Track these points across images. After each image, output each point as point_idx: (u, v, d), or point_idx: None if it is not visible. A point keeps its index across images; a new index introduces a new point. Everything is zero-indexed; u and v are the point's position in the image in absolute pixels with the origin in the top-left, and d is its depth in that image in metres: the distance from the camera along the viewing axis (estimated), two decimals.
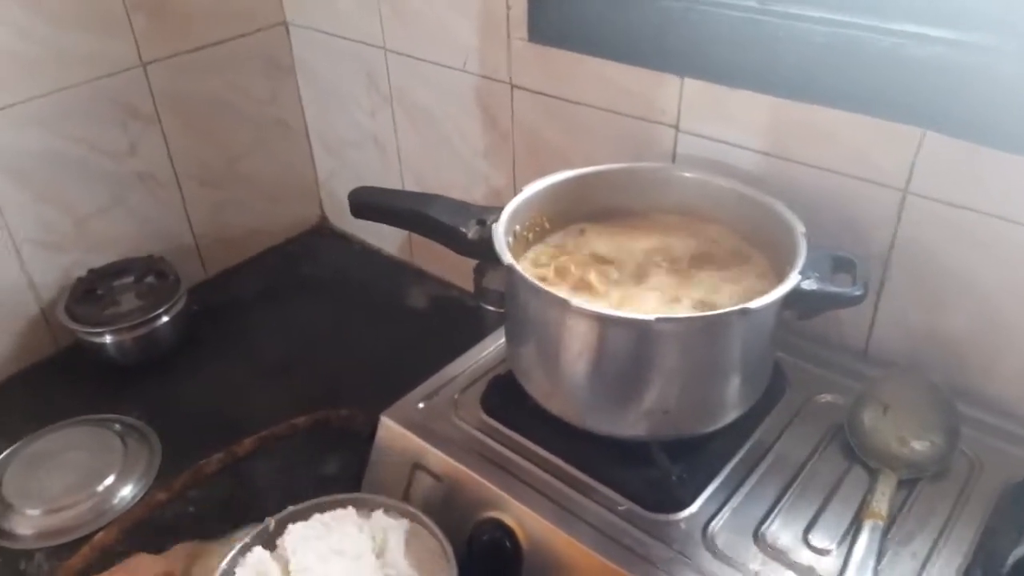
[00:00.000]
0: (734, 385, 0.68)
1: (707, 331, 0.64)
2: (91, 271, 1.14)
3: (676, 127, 0.85)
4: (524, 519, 0.67)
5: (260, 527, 0.69)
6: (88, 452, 0.98)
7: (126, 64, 1.09)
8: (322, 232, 1.42)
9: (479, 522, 0.70)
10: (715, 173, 0.79)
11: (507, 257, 0.67)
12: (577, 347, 0.65)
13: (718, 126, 0.82)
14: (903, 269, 0.76)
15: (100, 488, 0.94)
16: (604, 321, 0.62)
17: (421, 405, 0.79)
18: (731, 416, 0.70)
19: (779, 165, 0.79)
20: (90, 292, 1.11)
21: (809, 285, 0.64)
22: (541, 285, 0.64)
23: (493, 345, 0.87)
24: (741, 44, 0.76)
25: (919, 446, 0.70)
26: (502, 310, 1.00)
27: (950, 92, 0.67)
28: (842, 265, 0.69)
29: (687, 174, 0.80)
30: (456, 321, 1.17)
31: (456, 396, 0.79)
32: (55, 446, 1.00)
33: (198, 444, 0.94)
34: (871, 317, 0.80)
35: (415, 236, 1.09)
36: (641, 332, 0.62)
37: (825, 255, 0.68)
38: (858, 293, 0.65)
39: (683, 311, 0.69)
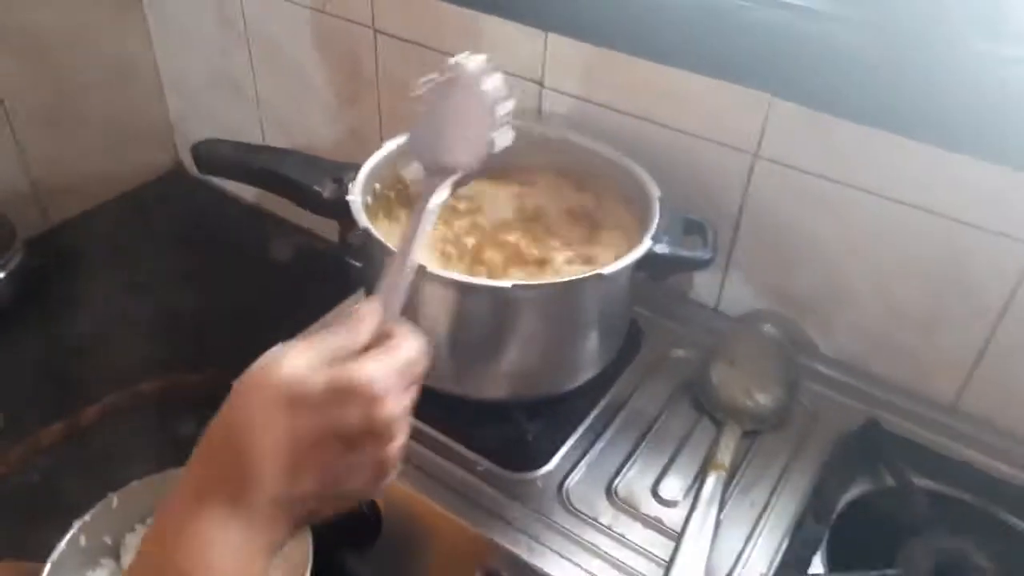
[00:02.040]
0: (590, 346, 0.69)
1: (563, 296, 0.64)
2: None
3: (541, 83, 0.84)
4: (388, 487, 0.67)
5: (100, 503, 0.66)
6: None
7: None
8: (175, 179, 1.33)
9: None
10: (578, 132, 0.79)
11: (364, 220, 0.65)
12: (435, 313, 0.64)
13: (582, 85, 0.82)
14: (752, 230, 0.79)
15: None
16: (461, 288, 0.62)
17: None
18: (587, 375, 0.71)
19: (640, 126, 0.80)
20: None
21: (661, 249, 0.66)
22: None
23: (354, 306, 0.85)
24: (606, 3, 0.75)
25: (762, 399, 0.74)
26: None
27: (795, 58, 0.69)
28: (693, 228, 0.71)
29: (551, 134, 0.79)
30: (321, 274, 1.13)
31: None
32: None
33: (37, 412, 0.89)
34: (722, 275, 0.83)
35: None
36: (498, 298, 0.62)
37: (678, 218, 0.70)
38: (706, 257, 0.67)
39: (541, 271, 0.69)
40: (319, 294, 0.87)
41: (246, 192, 1.27)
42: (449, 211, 0.75)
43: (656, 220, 0.67)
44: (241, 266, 1.16)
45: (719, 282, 0.84)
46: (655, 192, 0.70)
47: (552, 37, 0.81)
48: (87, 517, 0.65)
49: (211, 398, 0.87)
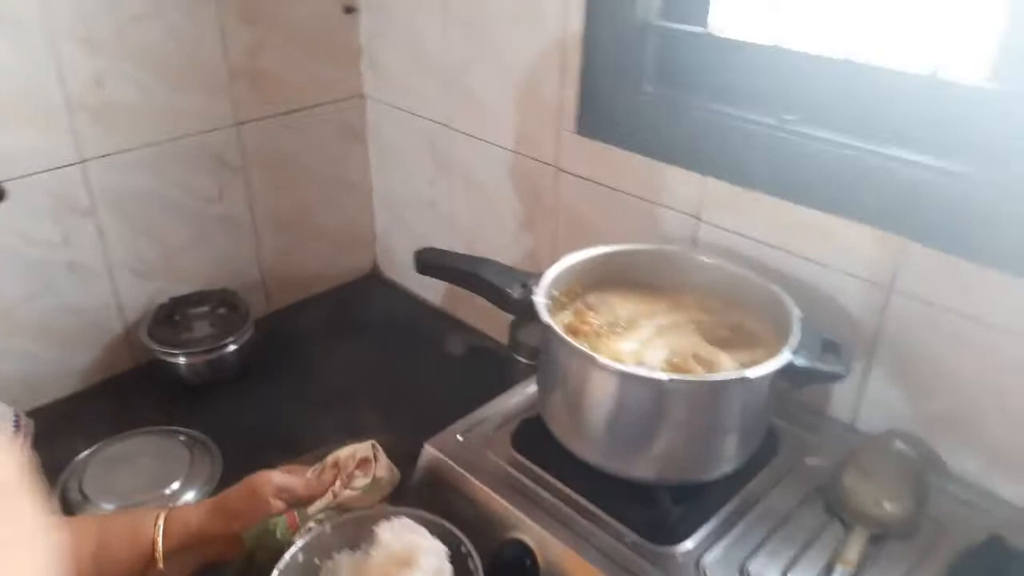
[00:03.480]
0: (732, 441, 0.80)
1: (711, 392, 0.76)
2: (172, 299, 1.29)
3: (698, 217, 0.99)
4: (544, 542, 0.79)
5: (316, 529, 0.81)
6: (157, 459, 1.11)
7: (224, 123, 1.26)
8: (373, 280, 1.57)
9: (504, 541, 0.81)
10: (728, 259, 0.92)
11: (545, 316, 0.80)
12: (599, 397, 0.78)
13: (733, 219, 0.96)
14: (887, 356, 0.88)
15: (167, 491, 1.06)
16: (624, 377, 0.75)
17: (460, 438, 0.91)
18: (727, 468, 0.81)
19: (782, 256, 0.92)
20: (169, 317, 1.26)
21: (800, 361, 0.77)
22: (573, 342, 0.77)
23: (524, 392, 0.99)
24: (758, 153, 0.90)
25: (891, 508, 0.81)
26: (532, 362, 1.14)
27: (930, 209, 0.80)
28: (830, 347, 0.81)
29: (704, 258, 0.93)
30: (488, 368, 1.29)
31: (491, 433, 0.92)
32: (129, 451, 1.12)
33: (256, 459, 1.06)
34: (857, 393, 0.92)
35: (455, 289, 1.23)
36: (654, 389, 0.74)
37: (816, 337, 0.81)
38: (841, 372, 0.77)
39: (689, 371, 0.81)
40: (484, 383, 1.02)
41: (430, 295, 1.48)
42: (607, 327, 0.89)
43: (797, 336, 0.78)
44: (422, 355, 1.34)
45: (854, 400, 0.92)
46: (796, 312, 0.82)
47: (711, 180, 0.96)
48: (308, 539, 0.80)
49: (396, 457, 1.02)
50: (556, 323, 0.82)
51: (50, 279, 1.17)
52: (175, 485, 1.07)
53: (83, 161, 1.14)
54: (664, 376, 0.73)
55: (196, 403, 1.22)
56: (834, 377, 0.78)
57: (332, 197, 1.45)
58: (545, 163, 1.15)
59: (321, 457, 0.88)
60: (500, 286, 0.88)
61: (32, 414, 1.08)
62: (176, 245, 1.28)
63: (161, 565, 0.77)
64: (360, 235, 1.53)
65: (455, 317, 1.44)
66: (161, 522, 0.78)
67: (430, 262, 0.92)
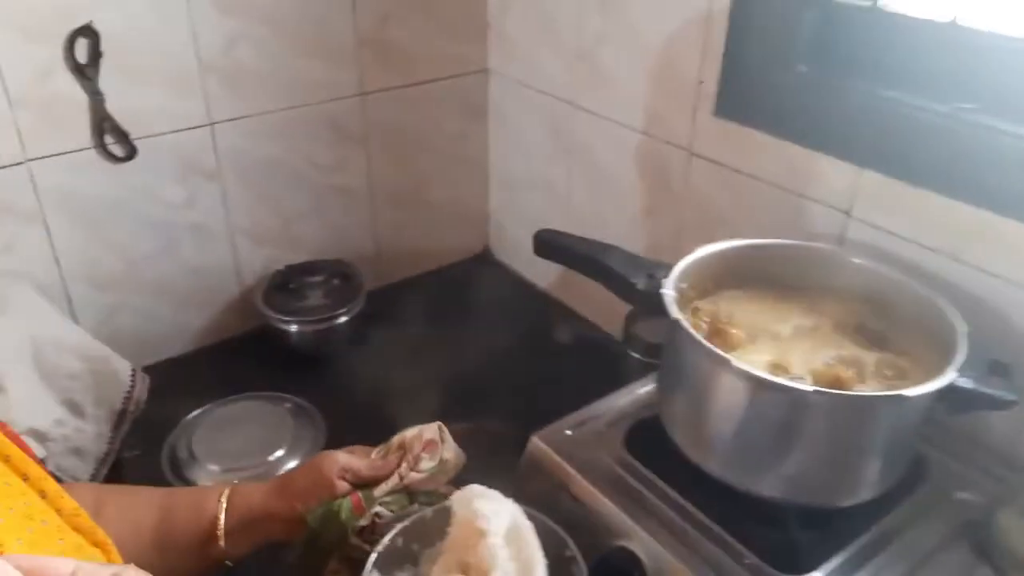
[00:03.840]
0: (874, 466, 0.71)
1: (858, 410, 0.68)
2: (288, 266, 1.29)
3: (848, 213, 0.90)
4: (653, 553, 0.73)
5: (417, 514, 0.78)
6: (263, 425, 1.12)
7: (348, 92, 1.25)
8: (484, 260, 1.53)
9: (612, 548, 0.75)
10: (881, 261, 0.83)
11: (674, 311, 0.74)
12: (729, 404, 0.71)
13: (889, 217, 0.86)
14: None
15: (271, 458, 1.06)
16: (761, 384, 0.68)
17: (569, 432, 0.86)
18: (865, 496, 0.73)
19: (944, 263, 0.82)
20: (284, 285, 1.26)
21: (964, 383, 0.67)
22: (705, 342, 0.70)
23: (638, 390, 0.92)
24: (926, 145, 0.80)
25: None
26: (647, 359, 1.07)
27: None
28: (998, 369, 0.71)
29: (855, 259, 0.84)
30: (599, 362, 1.23)
31: (602, 431, 0.86)
32: (237, 414, 1.14)
33: (358, 432, 1.05)
34: (1021, 421, 0.81)
35: (568, 276, 1.18)
36: (794, 401, 0.67)
37: (982, 358, 0.71)
38: (1011, 398, 0.67)
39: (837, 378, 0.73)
40: (595, 376, 0.96)
41: (540, 279, 1.43)
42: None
43: (962, 354, 0.69)
44: (530, 343, 1.30)
45: (1016, 429, 0.81)
46: (961, 327, 0.72)
47: (867, 172, 0.86)
48: (407, 523, 0.77)
49: (501, 447, 0.98)
50: (685, 319, 0.75)
51: (173, 239, 1.19)
52: (279, 452, 1.07)
53: (211, 124, 1.15)
54: (808, 388, 0.65)
55: (304, 371, 1.22)
56: (1002, 404, 0.68)
57: (449, 173, 1.42)
58: (677, 146, 1.07)
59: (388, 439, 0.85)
60: (624, 275, 0.82)
61: (147, 370, 1.11)
62: (294, 213, 1.28)
63: (223, 542, 0.76)
64: (474, 214, 1.50)
65: (567, 305, 1.39)
66: (224, 498, 0.77)
67: (549, 243, 0.87)
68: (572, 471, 0.81)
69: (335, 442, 1.06)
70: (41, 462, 0.64)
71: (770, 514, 0.74)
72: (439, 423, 0.84)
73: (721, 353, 0.69)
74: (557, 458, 0.83)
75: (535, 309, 1.40)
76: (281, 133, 1.21)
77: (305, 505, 0.76)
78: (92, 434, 1.00)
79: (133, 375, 1.07)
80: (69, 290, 1.13)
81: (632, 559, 0.74)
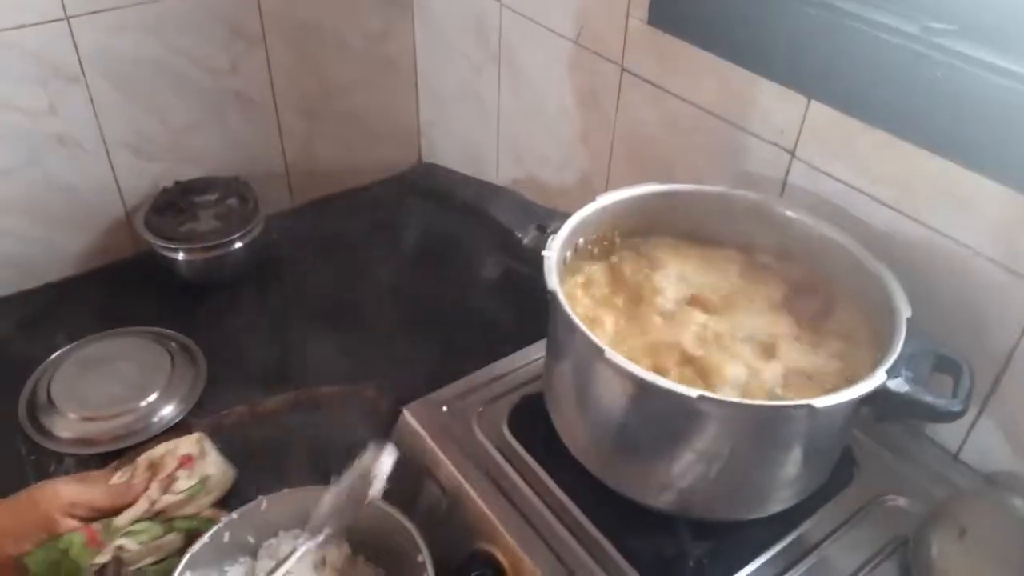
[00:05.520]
0: (784, 477, 0.59)
1: (760, 421, 0.54)
2: (177, 183, 1.13)
3: (792, 153, 0.74)
4: (519, 563, 0.62)
5: (251, 504, 0.66)
6: (137, 365, 0.99)
7: None
8: (414, 180, 1.35)
9: (473, 552, 0.64)
10: (822, 217, 0.68)
11: (552, 281, 0.60)
12: (607, 399, 0.58)
13: (839, 161, 0.71)
14: (1021, 379, 0.63)
15: (142, 404, 0.94)
16: (638, 384, 0.54)
17: (445, 408, 0.73)
18: (775, 508, 0.61)
19: (898, 220, 0.67)
20: (172, 205, 1.11)
21: (897, 386, 0.54)
22: (580, 325, 0.56)
23: (538, 354, 0.79)
24: (887, 75, 0.64)
25: None
26: None
27: None
28: (945, 366, 0.57)
29: (790, 213, 0.69)
30: (532, 300, 1.09)
31: (481, 408, 0.73)
32: (108, 352, 1.00)
33: (240, 381, 0.94)
34: (973, 418, 0.68)
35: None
36: (679, 406, 0.53)
37: (928, 349, 0.58)
38: (955, 409, 0.54)
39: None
40: (515, 322, 0.82)
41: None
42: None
43: (899, 347, 0.55)
44: (455, 273, 1.13)
45: (968, 424, 0.69)
46: (904, 310, 0.58)
47: (815, 105, 0.70)
48: (235, 515, 0.66)
49: (378, 414, 0.86)
50: (570, 282, 0.61)
51: (36, 151, 1.03)
52: (151, 397, 0.95)
53: (67, 18, 0.97)
54: (692, 393, 0.51)
55: (193, 305, 1.08)
56: (943, 415, 0.54)
57: (370, 78, 1.24)
58: (608, 59, 0.90)
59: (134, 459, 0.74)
60: (508, 226, 0.68)
61: (22, 297, 0.98)
62: (182, 123, 1.12)
63: None
64: (400, 128, 1.32)
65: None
66: None
67: (434, 185, 0.71)
68: (442, 456, 0.69)
69: (215, 389, 0.95)
70: None
71: (662, 527, 0.62)
72: (200, 434, 0.73)
73: (596, 342, 0.55)
74: (428, 440, 0.71)
75: (468, 233, 1.23)
76: (154, 29, 1.03)
77: (17, 548, 0.63)
78: None
79: None
80: None
81: (494, 567, 0.63)
